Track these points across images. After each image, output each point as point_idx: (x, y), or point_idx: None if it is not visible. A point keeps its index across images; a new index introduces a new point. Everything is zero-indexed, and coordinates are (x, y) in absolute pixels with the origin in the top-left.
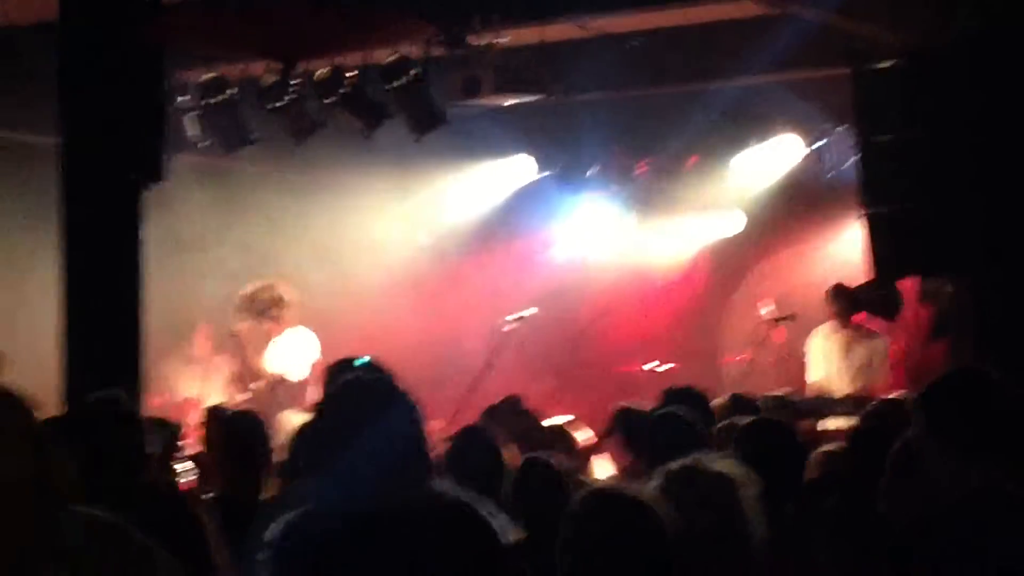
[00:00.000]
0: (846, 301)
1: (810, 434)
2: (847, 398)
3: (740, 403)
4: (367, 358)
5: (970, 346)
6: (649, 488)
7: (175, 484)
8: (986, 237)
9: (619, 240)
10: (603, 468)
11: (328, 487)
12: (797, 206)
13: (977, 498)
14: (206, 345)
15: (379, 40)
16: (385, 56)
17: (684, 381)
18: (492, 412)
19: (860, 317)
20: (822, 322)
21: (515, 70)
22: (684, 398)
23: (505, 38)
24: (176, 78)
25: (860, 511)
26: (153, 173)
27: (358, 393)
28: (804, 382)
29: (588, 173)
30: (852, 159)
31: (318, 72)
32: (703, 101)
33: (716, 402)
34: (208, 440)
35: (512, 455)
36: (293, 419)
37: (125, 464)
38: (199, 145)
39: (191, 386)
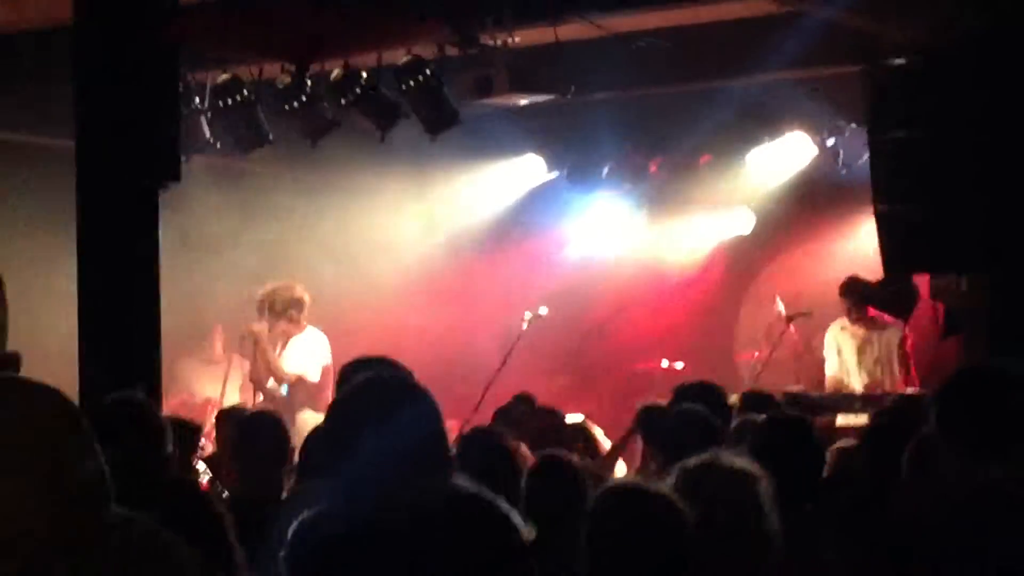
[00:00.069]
0: (860, 294)
1: (826, 430)
2: (862, 395)
3: (756, 399)
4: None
5: (983, 344)
6: (666, 484)
7: (196, 483)
8: (998, 234)
9: (632, 238)
10: (619, 466)
11: (347, 485)
12: (810, 204)
13: (979, 497)
14: (223, 346)
15: (393, 40)
16: (399, 56)
17: (699, 378)
18: (503, 412)
19: (873, 310)
20: (836, 318)
21: (528, 69)
22: (699, 394)
23: (518, 38)
24: (191, 80)
25: (874, 509)
26: (169, 174)
27: (377, 390)
28: (820, 377)
29: (601, 172)
30: (864, 157)
31: (332, 73)
32: (715, 99)
33: (734, 398)
34: (226, 440)
35: (524, 453)
36: (310, 419)
37: (145, 464)
38: (214, 146)
39: (209, 386)
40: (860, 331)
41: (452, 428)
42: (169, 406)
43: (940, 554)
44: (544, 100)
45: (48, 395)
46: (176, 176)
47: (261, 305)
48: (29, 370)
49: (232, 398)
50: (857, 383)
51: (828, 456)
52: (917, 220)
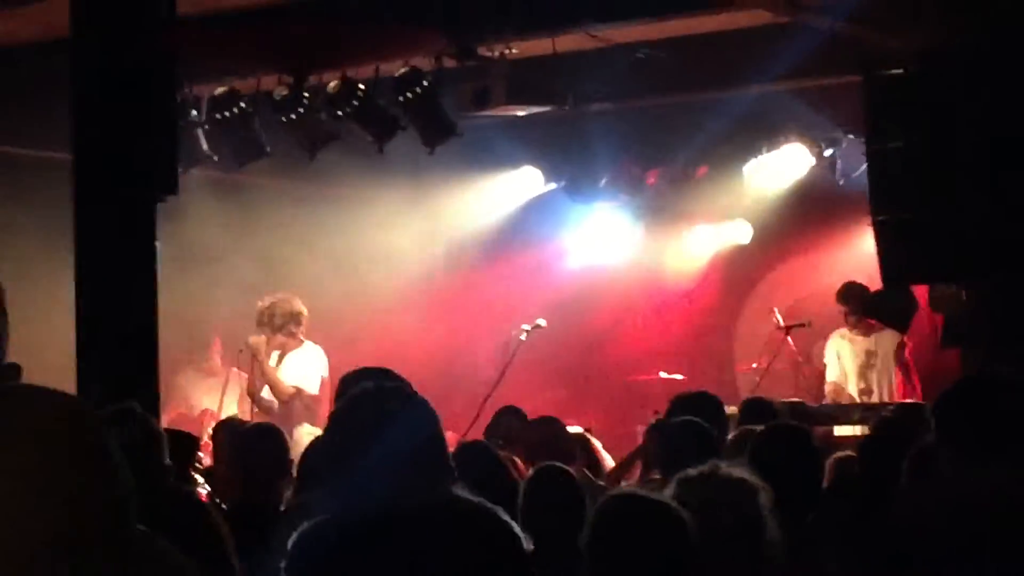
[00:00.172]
0: (858, 299)
1: (825, 440)
2: (861, 405)
3: (757, 407)
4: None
5: (982, 353)
6: (666, 494)
7: (194, 494)
8: (997, 244)
9: (631, 250)
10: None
11: (347, 494)
12: (809, 214)
13: (980, 504)
14: (221, 357)
15: (390, 52)
16: (396, 68)
17: (698, 389)
18: (492, 427)
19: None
20: (834, 329)
21: (526, 81)
22: (696, 404)
23: (515, 49)
24: (188, 92)
25: (874, 518)
26: (166, 187)
27: (377, 400)
28: (819, 388)
29: (599, 183)
30: (862, 167)
31: (330, 84)
32: (714, 110)
33: (731, 410)
34: (224, 452)
35: (518, 467)
36: (308, 433)
37: (144, 475)
38: (211, 159)
39: (206, 398)
40: (860, 338)
41: (450, 440)
42: (167, 417)
43: (941, 561)
44: (542, 111)
45: (71, 405)
46: (174, 189)
47: (260, 318)
48: (27, 381)
49: (230, 410)
50: (855, 390)
51: (827, 466)
52: (916, 230)
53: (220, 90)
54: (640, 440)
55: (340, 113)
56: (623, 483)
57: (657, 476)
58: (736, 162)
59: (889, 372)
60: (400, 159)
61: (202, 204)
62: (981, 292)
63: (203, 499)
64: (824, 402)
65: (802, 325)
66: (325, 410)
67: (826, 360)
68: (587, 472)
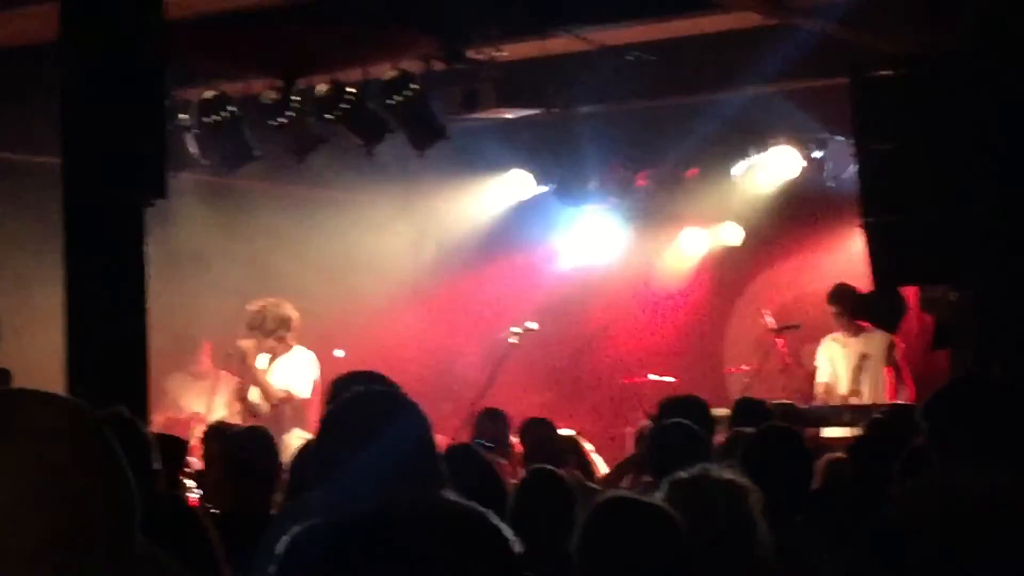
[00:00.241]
0: (848, 300)
1: (814, 442)
2: (851, 407)
3: (749, 407)
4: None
5: (972, 354)
6: (657, 497)
7: (184, 500)
8: (986, 246)
9: (621, 252)
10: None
11: (338, 499)
12: (798, 216)
13: (973, 505)
14: (210, 361)
15: (379, 56)
16: (385, 71)
17: (688, 392)
18: (476, 429)
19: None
20: (825, 331)
21: (515, 84)
22: (683, 408)
23: (504, 52)
24: (177, 96)
25: (865, 519)
26: (156, 191)
27: (367, 403)
28: (809, 390)
29: (589, 185)
30: (851, 168)
31: (319, 88)
32: (703, 112)
33: (721, 411)
34: (214, 457)
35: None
36: (298, 438)
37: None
38: (201, 163)
39: (196, 402)
40: (852, 340)
41: (441, 444)
42: (155, 421)
43: (933, 563)
44: (531, 114)
45: (72, 407)
46: (162, 193)
47: (251, 322)
48: (16, 386)
49: (219, 413)
50: (847, 392)
51: (818, 468)
52: (905, 232)
53: (209, 94)
54: (631, 442)
55: (329, 117)
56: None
57: (649, 479)
58: (726, 164)
59: (881, 373)
60: (390, 163)
61: (191, 208)
62: (971, 293)
63: (193, 504)
64: (814, 404)
65: (792, 327)
66: (315, 414)
67: (817, 364)
68: (579, 474)
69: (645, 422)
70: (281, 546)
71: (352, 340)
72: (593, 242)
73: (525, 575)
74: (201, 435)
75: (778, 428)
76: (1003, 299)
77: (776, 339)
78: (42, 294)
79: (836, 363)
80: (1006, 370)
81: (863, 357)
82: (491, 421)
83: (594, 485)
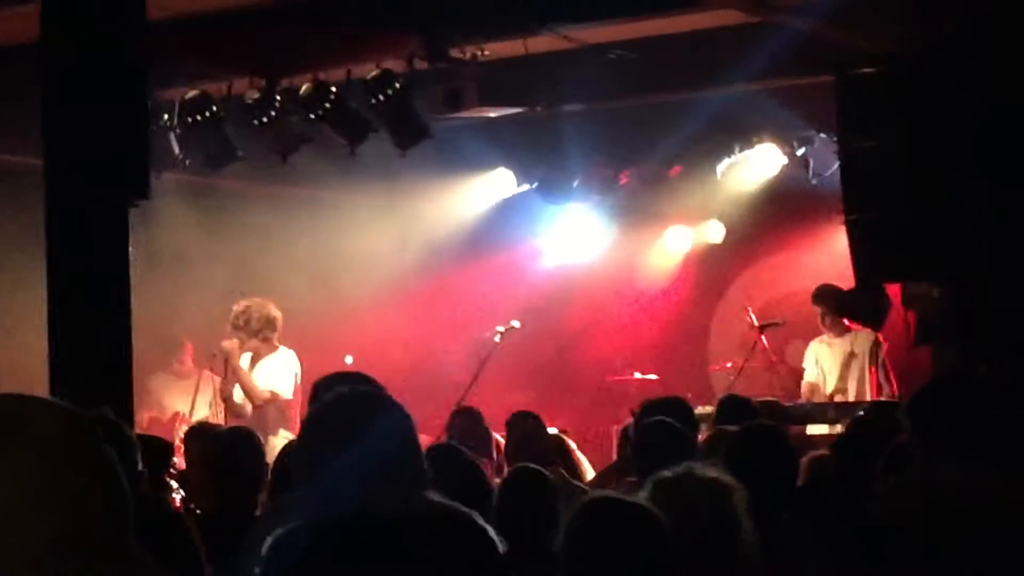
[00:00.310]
0: (832, 300)
1: (798, 439)
2: (835, 404)
3: (734, 405)
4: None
5: (955, 351)
6: (641, 496)
7: (167, 502)
8: (968, 242)
9: (604, 250)
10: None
11: (322, 499)
12: (781, 213)
13: (958, 501)
14: (192, 361)
15: (362, 55)
16: (368, 71)
17: (672, 390)
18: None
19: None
20: (809, 328)
21: (498, 82)
22: (665, 409)
23: (487, 51)
24: (160, 96)
25: (849, 516)
26: (138, 191)
27: (350, 404)
28: (794, 387)
29: (572, 184)
30: (835, 166)
31: (302, 88)
32: (686, 110)
33: (705, 409)
34: (197, 457)
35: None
36: (284, 438)
37: None
38: (184, 163)
39: (178, 402)
40: (837, 340)
41: (424, 443)
42: (138, 421)
43: (917, 561)
44: (514, 113)
45: (68, 413)
46: (145, 194)
47: (235, 322)
48: (1, 388)
49: (201, 413)
50: (833, 390)
51: (802, 465)
52: (888, 229)
53: (192, 94)
54: (615, 440)
55: (312, 116)
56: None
57: (633, 479)
58: (709, 162)
59: (867, 372)
60: (373, 162)
61: (174, 208)
62: (954, 290)
63: (177, 505)
64: (799, 402)
65: (776, 324)
66: (299, 415)
67: (805, 365)
68: (564, 473)
69: (630, 421)
70: (264, 548)
71: (336, 339)
72: (576, 240)
73: (509, 575)
74: (184, 435)
75: (762, 426)
76: (985, 295)
77: (760, 336)
78: (26, 295)
79: (823, 363)
80: (988, 366)
81: (850, 356)
82: (464, 420)
83: (579, 483)
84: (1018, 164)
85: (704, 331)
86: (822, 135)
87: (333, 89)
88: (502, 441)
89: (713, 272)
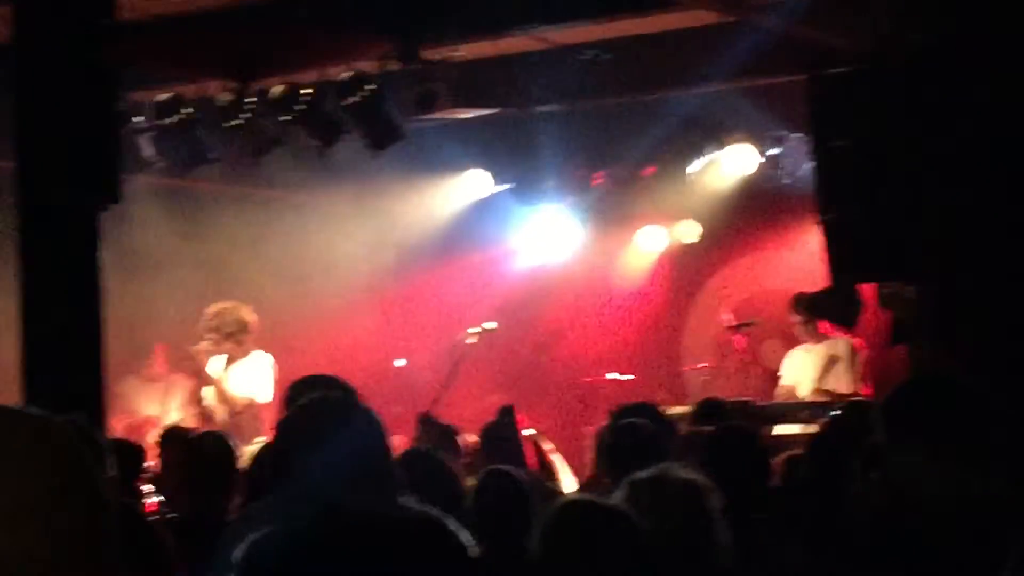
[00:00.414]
0: (807, 305)
1: (768, 439)
2: (809, 403)
3: (710, 408)
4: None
5: (929, 351)
6: (615, 498)
7: (139, 506)
8: (943, 242)
9: (579, 251)
10: (570, 481)
11: (293, 504)
12: (755, 213)
13: (934, 502)
14: (164, 364)
15: (335, 57)
16: (341, 72)
17: (647, 390)
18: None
19: (824, 326)
20: (782, 328)
21: (471, 84)
22: (635, 413)
23: (460, 52)
24: (131, 98)
25: (824, 516)
26: (110, 194)
27: (322, 410)
28: (768, 387)
29: (546, 184)
30: (808, 165)
31: (274, 90)
32: (660, 110)
33: (680, 409)
34: (172, 461)
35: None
36: (257, 441)
37: None
38: (156, 165)
39: (149, 406)
40: (815, 346)
41: (401, 445)
42: (110, 425)
43: (893, 560)
44: (488, 113)
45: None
46: (116, 197)
47: (209, 325)
48: None
49: (173, 417)
50: (808, 392)
51: (777, 465)
52: (862, 228)
53: (164, 96)
54: (590, 441)
55: (285, 118)
56: (571, 481)
57: (607, 481)
58: (683, 162)
59: (845, 375)
60: (347, 163)
61: (146, 210)
62: (928, 290)
63: (152, 508)
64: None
65: (749, 324)
66: (273, 418)
67: (781, 372)
68: (538, 474)
69: (604, 423)
70: (237, 554)
71: (309, 342)
72: (550, 241)
73: None
74: (157, 439)
75: (734, 427)
76: (960, 295)
77: (734, 336)
78: (13, 300)
79: (803, 368)
80: (963, 366)
81: (831, 360)
82: (428, 427)
83: (554, 485)
84: (993, 163)
85: (678, 331)
86: (795, 135)
87: (305, 91)
88: (471, 439)
89: (687, 272)
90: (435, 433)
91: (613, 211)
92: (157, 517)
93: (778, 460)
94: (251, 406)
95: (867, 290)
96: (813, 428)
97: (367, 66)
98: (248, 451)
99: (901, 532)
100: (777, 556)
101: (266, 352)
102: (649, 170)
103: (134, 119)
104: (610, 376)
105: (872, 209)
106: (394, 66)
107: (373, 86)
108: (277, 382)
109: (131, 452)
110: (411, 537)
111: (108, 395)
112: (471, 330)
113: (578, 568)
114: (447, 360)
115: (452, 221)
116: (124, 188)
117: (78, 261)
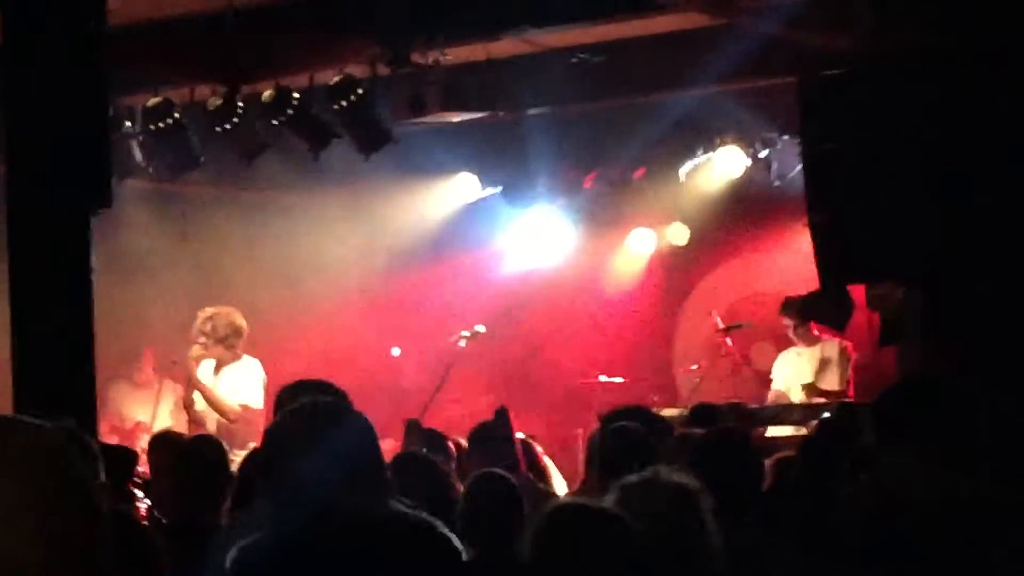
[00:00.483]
0: (798, 309)
1: (760, 441)
2: (801, 405)
3: (703, 412)
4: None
5: (919, 353)
6: (608, 501)
7: (131, 512)
8: (932, 244)
9: (569, 253)
10: (561, 484)
11: (283, 510)
12: (746, 215)
13: (925, 505)
14: (152, 369)
15: (325, 61)
16: (331, 76)
17: (638, 392)
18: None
19: (816, 328)
20: (773, 330)
21: (461, 87)
22: (626, 416)
23: (450, 55)
24: (122, 103)
25: (816, 518)
26: (101, 199)
27: (312, 415)
28: (759, 389)
29: (537, 187)
30: (798, 167)
31: (264, 94)
32: (650, 113)
33: (671, 412)
34: (162, 467)
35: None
36: (249, 447)
37: None
38: (147, 170)
39: (139, 411)
40: (807, 349)
41: (392, 449)
42: (99, 430)
43: (884, 562)
44: (478, 117)
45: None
46: (107, 202)
47: (201, 329)
48: None
49: (163, 422)
50: (800, 395)
51: (768, 467)
52: (852, 230)
53: (154, 100)
54: (582, 444)
55: (275, 122)
56: (563, 484)
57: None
58: (673, 164)
59: (837, 377)
60: (337, 167)
61: (136, 214)
62: (917, 291)
63: (143, 514)
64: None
65: (740, 326)
66: (264, 424)
67: (773, 375)
68: (531, 477)
69: (596, 426)
70: (228, 559)
71: (300, 345)
72: (541, 244)
73: None
74: (148, 444)
75: (725, 429)
76: (949, 296)
77: (725, 339)
78: (4, 304)
79: (794, 371)
80: (953, 367)
81: (824, 362)
82: (415, 433)
83: (546, 487)
84: (982, 165)
85: (670, 333)
86: (785, 137)
87: (296, 95)
88: (462, 442)
89: (678, 274)
90: (423, 438)
91: (604, 213)
92: (148, 522)
93: (769, 462)
94: (242, 411)
95: (856, 291)
96: (805, 430)
97: (357, 70)
98: (240, 456)
99: (892, 533)
100: (769, 558)
101: (257, 355)
102: (640, 172)
103: (125, 124)
104: (602, 379)
105: (861, 211)
106: (384, 70)
107: (363, 90)
108: (267, 386)
109: (123, 456)
110: (402, 541)
111: (96, 398)
112: (462, 333)
113: (571, 571)
114: (438, 363)
115: (443, 224)
116: (115, 192)
117: (69, 265)
